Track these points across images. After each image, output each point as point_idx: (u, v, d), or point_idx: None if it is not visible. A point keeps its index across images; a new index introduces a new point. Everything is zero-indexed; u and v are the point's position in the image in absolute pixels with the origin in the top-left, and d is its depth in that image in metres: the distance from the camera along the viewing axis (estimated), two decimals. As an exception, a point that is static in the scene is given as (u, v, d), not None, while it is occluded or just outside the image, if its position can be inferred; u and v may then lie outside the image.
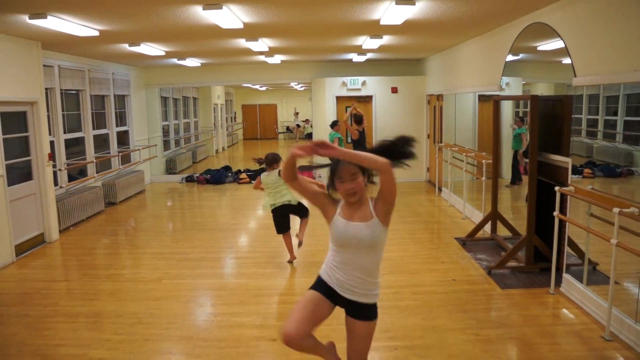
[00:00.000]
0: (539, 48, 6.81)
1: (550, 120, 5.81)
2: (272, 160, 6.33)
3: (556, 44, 5.62)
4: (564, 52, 5.39)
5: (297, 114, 27.18)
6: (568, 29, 5.41)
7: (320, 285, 2.89)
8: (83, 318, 5.09)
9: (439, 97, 11.19)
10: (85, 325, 4.91)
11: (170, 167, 14.77)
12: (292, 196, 6.33)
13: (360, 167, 2.77)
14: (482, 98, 8.66)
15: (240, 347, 4.35)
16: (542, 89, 7.26)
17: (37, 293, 5.79)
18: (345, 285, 2.83)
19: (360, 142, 10.88)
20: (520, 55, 7.12)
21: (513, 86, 7.53)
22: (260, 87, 25.00)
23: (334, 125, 11.28)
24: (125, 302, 5.44)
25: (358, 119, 11.19)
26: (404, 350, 4.22)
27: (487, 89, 7.96)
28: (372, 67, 12.89)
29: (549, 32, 5.75)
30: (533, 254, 5.93)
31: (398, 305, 5.15)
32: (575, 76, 5.18)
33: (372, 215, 2.82)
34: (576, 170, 5.32)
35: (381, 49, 9.94)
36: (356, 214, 2.82)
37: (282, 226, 6.47)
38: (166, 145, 15.24)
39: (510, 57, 7.13)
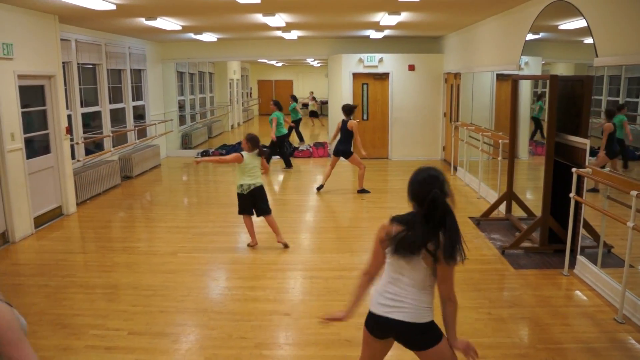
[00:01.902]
0: (560, 27, 6.69)
1: (569, 100, 5.74)
2: (255, 142, 6.12)
3: (578, 22, 5.52)
4: (586, 31, 5.30)
5: (312, 92, 26.97)
6: (591, 8, 5.31)
7: None
8: (100, 289, 5.18)
9: (457, 75, 11.08)
10: (102, 297, 5.00)
11: (186, 142, 14.83)
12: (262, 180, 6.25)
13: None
14: (500, 77, 8.55)
15: (254, 321, 4.41)
16: (562, 69, 7.15)
17: (55, 264, 5.90)
18: None
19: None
20: (541, 34, 7.01)
21: (532, 66, 7.43)
22: (276, 63, 24.88)
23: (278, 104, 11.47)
24: (140, 275, 5.53)
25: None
26: (416, 328, 4.25)
27: (506, 68, 7.86)
28: (389, 44, 12.76)
29: (572, 11, 5.64)
30: (548, 235, 5.90)
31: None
32: (597, 56, 5.09)
33: None
34: (594, 152, 5.26)
35: (399, 25, 9.83)
36: None
37: (247, 208, 6.23)
38: (182, 120, 15.29)
39: (530, 36, 7.02)
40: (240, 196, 6.18)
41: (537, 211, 6.27)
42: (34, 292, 5.15)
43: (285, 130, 11.73)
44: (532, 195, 7.47)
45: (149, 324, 4.39)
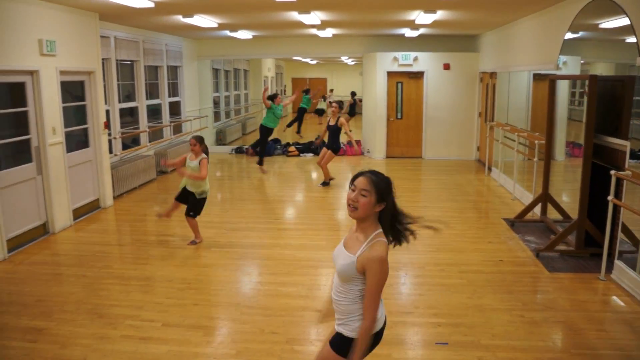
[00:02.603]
0: (601, 25, 6.55)
1: (609, 101, 5.62)
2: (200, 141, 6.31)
3: (621, 21, 5.39)
4: (629, 30, 5.17)
5: (331, 91, 27.03)
6: (635, 5, 5.17)
7: None
8: (135, 281, 5.29)
9: (492, 74, 10.93)
10: (138, 288, 5.11)
11: (220, 138, 14.99)
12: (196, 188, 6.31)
13: (379, 193, 2.53)
14: (537, 77, 8.41)
15: (286, 316, 4.45)
16: (602, 69, 7.00)
17: (92, 255, 6.05)
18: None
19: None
20: (580, 33, 6.87)
21: (571, 65, 7.29)
22: (311, 60, 24.93)
23: (274, 97, 11.09)
24: (175, 268, 5.63)
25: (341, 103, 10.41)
26: (448, 327, 4.24)
27: (544, 68, 7.72)
28: (424, 42, 12.66)
29: (613, 9, 5.51)
30: (584, 239, 5.79)
31: (444, 283, 5.16)
32: (640, 56, 4.97)
33: (356, 253, 2.46)
34: (634, 155, 5.14)
35: (435, 24, 9.75)
36: (351, 242, 2.56)
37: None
38: (216, 116, 15.45)
39: (569, 35, 6.89)
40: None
41: (574, 214, 6.16)
42: (73, 281, 5.29)
43: (273, 125, 11.16)
44: (568, 198, 7.34)
45: (183, 317, 4.46)
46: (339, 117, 9.45)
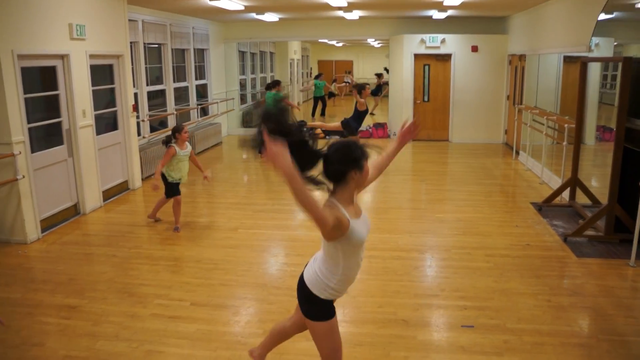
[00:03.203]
0: (638, 5, 6.38)
1: (643, 84, 5.49)
2: (177, 130, 6.24)
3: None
4: (664, 10, 5.04)
5: (349, 72, 26.94)
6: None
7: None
8: (164, 261, 5.39)
9: (521, 57, 10.74)
10: (166, 268, 5.21)
11: (247, 121, 15.07)
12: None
13: None
14: (568, 59, 8.25)
15: (311, 298, 4.50)
16: (637, 51, 6.83)
17: (122, 236, 6.17)
18: None
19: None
20: (614, 14, 6.71)
21: (603, 47, 7.12)
22: (337, 43, 24.80)
23: (275, 85, 10.94)
24: (202, 249, 5.72)
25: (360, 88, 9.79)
26: (474, 311, 4.24)
27: (575, 50, 7.57)
28: (452, 24, 12.49)
29: (649, -11, 5.37)
30: (614, 224, 5.71)
31: (470, 266, 5.15)
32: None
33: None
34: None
35: (463, 5, 9.60)
36: (355, 208, 2.63)
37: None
38: (243, 99, 15.52)
39: (602, 16, 6.72)
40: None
41: (603, 199, 6.07)
42: (104, 261, 5.42)
43: None
44: (598, 183, 7.23)
45: (211, 296, 4.55)
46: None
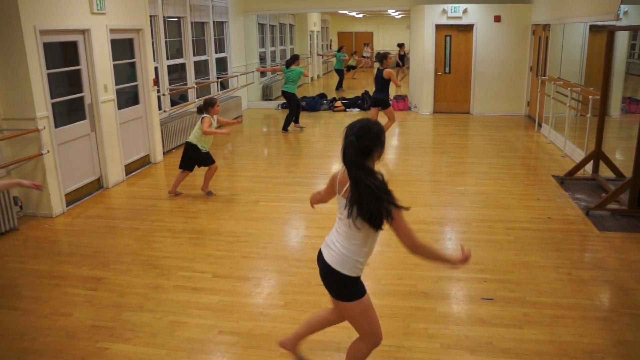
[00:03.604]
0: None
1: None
2: (210, 104, 6.38)
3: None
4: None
5: (366, 44, 26.64)
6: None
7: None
8: (186, 234, 5.48)
9: (546, 27, 10.51)
10: (189, 241, 5.29)
11: (267, 94, 15.05)
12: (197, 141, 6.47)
13: None
14: (594, 29, 8.05)
15: (332, 270, 4.54)
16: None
17: (145, 209, 6.27)
18: None
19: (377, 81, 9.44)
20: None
21: (632, 15, 6.93)
22: (357, 14, 24.49)
23: (295, 60, 10.70)
24: (224, 222, 5.78)
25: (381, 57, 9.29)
26: (494, 283, 4.25)
27: (602, 19, 7.37)
28: (474, -7, 12.25)
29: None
30: (638, 198, 5.63)
31: (490, 239, 5.14)
32: None
33: None
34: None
35: (486, -26, 9.39)
36: None
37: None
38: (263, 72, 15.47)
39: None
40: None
41: (627, 172, 5.98)
42: (127, 234, 5.52)
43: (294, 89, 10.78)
44: (622, 156, 7.12)
45: (232, 268, 4.62)
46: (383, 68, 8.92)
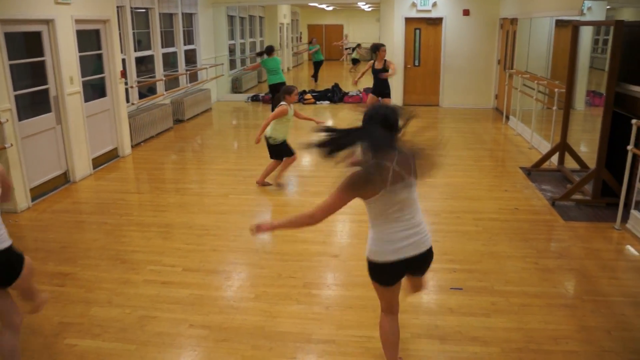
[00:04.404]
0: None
1: (634, 48, 5.48)
2: (288, 92, 6.32)
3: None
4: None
5: (346, 35, 26.82)
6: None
7: None
8: (155, 228, 5.41)
9: (513, 21, 10.66)
10: (158, 235, 5.23)
11: (236, 87, 14.94)
12: (274, 134, 6.39)
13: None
14: (560, 23, 8.20)
15: (303, 262, 4.56)
16: (629, 15, 6.80)
17: (113, 203, 6.17)
18: None
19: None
20: (606, -23, 6.65)
21: (595, 11, 7.08)
22: (327, 7, 24.45)
23: (270, 51, 10.61)
24: (193, 215, 5.74)
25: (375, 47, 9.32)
26: (463, 273, 4.31)
27: (567, 14, 7.51)
28: (443, -13, 12.34)
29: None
30: (601, 188, 5.78)
31: (459, 230, 5.21)
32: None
33: None
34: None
35: (454, -32, 9.46)
36: None
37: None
38: (232, 64, 15.36)
39: (594, -21, 6.67)
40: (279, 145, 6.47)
41: (591, 164, 6.13)
42: (95, 229, 5.43)
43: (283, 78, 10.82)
44: (587, 148, 7.28)
45: (203, 262, 4.59)
46: (385, 60, 8.90)
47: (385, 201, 2.58)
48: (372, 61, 8.96)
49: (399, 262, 2.66)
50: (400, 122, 2.60)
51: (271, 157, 6.58)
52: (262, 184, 6.66)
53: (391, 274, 2.74)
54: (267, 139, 6.42)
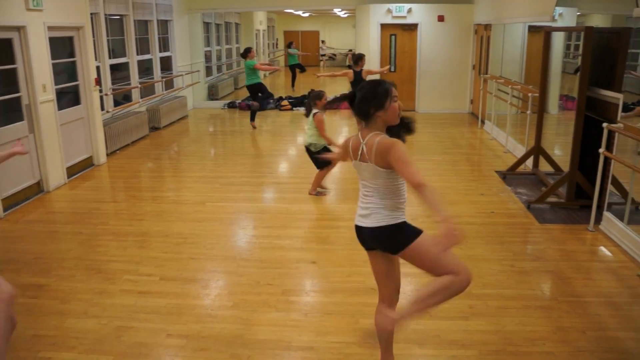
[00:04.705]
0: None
1: (604, 54, 5.59)
2: (318, 97, 6.24)
3: (616, -29, 5.32)
4: (624, -20, 5.11)
5: (323, 42, 27.02)
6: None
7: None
8: (132, 237, 5.35)
9: (487, 27, 10.81)
10: (134, 244, 5.17)
11: (212, 93, 14.87)
12: (314, 140, 6.26)
13: None
14: (533, 29, 8.33)
15: (282, 268, 4.54)
16: (598, 21, 6.95)
17: (88, 213, 6.08)
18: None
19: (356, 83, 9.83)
20: (577, -16, 6.79)
21: (567, 17, 7.22)
22: (303, 13, 24.54)
23: (248, 52, 10.59)
24: (170, 223, 5.68)
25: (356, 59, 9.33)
26: (439, 279, 4.33)
27: (539, 19, 7.64)
28: (418, -7, 12.46)
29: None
30: (575, 191, 5.87)
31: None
32: (638, 6, 4.91)
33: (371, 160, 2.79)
34: (627, 108, 5.16)
35: (429, -26, 9.57)
36: (362, 154, 2.86)
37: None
38: (208, 71, 15.29)
39: (565, -15, 6.79)
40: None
41: (565, 167, 6.22)
42: (70, 239, 5.35)
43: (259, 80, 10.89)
44: (560, 151, 7.40)
45: (180, 270, 4.54)
46: (362, 70, 8.80)
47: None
48: (351, 70, 8.90)
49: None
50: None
51: (317, 167, 6.35)
52: (315, 193, 6.49)
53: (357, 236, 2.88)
54: (307, 148, 6.31)
